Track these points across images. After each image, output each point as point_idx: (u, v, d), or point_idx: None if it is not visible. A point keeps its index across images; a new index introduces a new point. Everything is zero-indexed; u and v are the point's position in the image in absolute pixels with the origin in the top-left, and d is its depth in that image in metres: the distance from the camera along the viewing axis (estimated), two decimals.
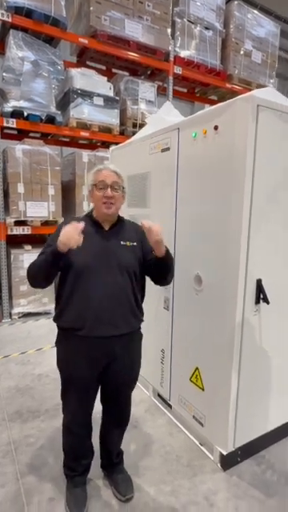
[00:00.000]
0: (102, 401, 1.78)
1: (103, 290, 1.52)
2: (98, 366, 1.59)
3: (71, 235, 1.36)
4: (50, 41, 4.73)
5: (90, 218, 1.63)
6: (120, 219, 1.68)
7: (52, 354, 3.60)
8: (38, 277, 1.54)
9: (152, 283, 1.76)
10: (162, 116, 2.48)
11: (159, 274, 1.69)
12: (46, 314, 4.71)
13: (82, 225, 1.40)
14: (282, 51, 8.71)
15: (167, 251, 1.56)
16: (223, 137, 1.81)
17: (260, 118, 1.69)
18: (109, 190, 1.54)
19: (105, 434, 1.83)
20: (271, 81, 6.51)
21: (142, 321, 1.72)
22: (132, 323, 1.63)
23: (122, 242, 1.61)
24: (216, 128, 1.84)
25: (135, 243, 1.65)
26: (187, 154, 2.11)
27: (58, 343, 1.66)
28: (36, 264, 1.52)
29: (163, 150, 2.32)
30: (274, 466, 2.02)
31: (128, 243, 1.62)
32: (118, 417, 1.80)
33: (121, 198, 1.61)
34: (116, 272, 1.55)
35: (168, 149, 2.27)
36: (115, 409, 1.77)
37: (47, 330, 4.11)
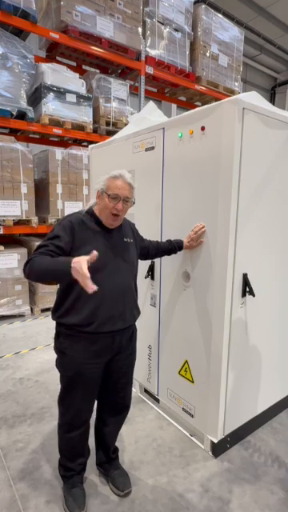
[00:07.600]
0: (102, 394, 1.75)
1: (114, 287, 1.54)
2: (105, 360, 1.61)
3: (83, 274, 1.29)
4: (19, 34, 4.56)
5: (92, 217, 1.59)
6: None
7: (31, 357, 3.53)
8: (43, 279, 1.57)
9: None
10: (146, 115, 2.51)
11: (167, 254, 2.04)
12: (21, 316, 4.55)
13: (95, 253, 1.32)
14: (244, 56, 9.11)
15: None
16: (210, 137, 1.88)
17: (245, 120, 1.79)
18: (120, 203, 1.52)
19: (103, 428, 1.82)
20: (236, 84, 6.78)
21: (140, 312, 1.77)
22: (135, 316, 1.71)
23: (124, 239, 1.65)
24: (203, 129, 1.91)
25: (132, 240, 1.71)
26: (173, 153, 2.16)
27: (63, 341, 1.59)
28: (43, 267, 1.40)
29: (147, 149, 2.36)
30: (260, 449, 2.15)
31: (128, 240, 1.68)
32: (119, 407, 1.81)
33: (128, 208, 1.60)
34: (123, 268, 1.60)
35: (153, 148, 2.31)
36: (118, 399, 1.78)
37: (23, 333, 3.97)
